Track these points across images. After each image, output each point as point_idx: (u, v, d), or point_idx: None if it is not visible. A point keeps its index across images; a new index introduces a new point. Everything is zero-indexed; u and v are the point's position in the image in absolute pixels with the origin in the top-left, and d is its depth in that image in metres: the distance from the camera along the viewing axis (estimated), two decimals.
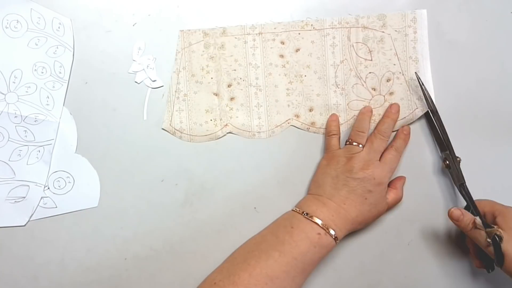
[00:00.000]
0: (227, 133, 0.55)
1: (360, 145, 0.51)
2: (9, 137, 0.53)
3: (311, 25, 0.55)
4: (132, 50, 0.54)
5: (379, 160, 0.51)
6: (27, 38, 0.53)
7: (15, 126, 0.53)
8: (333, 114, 0.55)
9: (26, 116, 0.53)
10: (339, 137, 0.54)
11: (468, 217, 0.48)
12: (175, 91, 0.54)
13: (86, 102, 0.54)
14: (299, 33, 0.55)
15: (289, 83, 0.55)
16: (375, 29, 0.55)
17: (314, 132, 0.55)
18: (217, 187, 0.54)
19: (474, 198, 0.51)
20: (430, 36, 0.55)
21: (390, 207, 0.53)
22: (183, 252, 0.54)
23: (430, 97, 0.53)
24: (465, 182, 0.51)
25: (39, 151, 0.53)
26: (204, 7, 0.55)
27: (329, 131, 0.54)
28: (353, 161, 0.50)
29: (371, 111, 0.54)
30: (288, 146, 0.55)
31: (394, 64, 0.55)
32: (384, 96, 0.55)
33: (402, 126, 0.54)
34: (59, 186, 0.53)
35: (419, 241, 0.55)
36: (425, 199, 0.55)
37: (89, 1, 0.54)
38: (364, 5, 0.55)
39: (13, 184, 0.53)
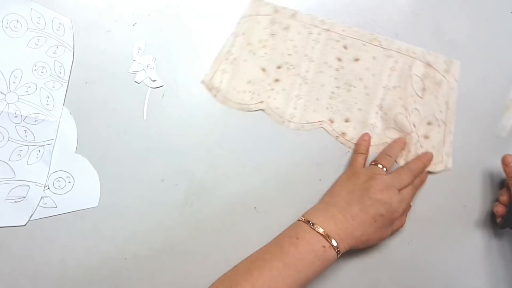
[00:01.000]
0: (260, 109, 0.55)
1: (385, 169, 0.51)
2: (9, 137, 0.53)
3: (379, 41, 0.55)
4: (132, 50, 0.54)
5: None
6: (27, 38, 0.53)
7: (15, 126, 0.53)
8: (367, 134, 0.55)
9: (26, 116, 0.53)
10: (366, 157, 0.54)
11: None
12: (226, 52, 0.54)
13: (86, 102, 0.54)
14: (365, 45, 0.55)
15: (336, 87, 0.55)
16: (437, 70, 0.54)
17: (341, 143, 0.55)
18: (217, 187, 0.54)
19: None
20: (430, 36, 0.55)
21: (393, 233, 0.53)
22: (183, 252, 0.53)
23: None
24: None
25: (39, 151, 0.53)
26: (204, 7, 0.55)
27: (358, 149, 0.54)
28: (374, 180, 0.49)
29: (405, 144, 0.54)
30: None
31: (441, 111, 0.54)
32: (419, 136, 0.54)
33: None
34: (59, 186, 0.53)
35: (419, 241, 0.55)
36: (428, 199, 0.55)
37: (89, 1, 0.54)
38: (365, 5, 0.55)
39: (13, 184, 0.53)
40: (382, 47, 0.54)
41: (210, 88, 0.53)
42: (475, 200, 0.55)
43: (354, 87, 0.55)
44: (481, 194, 0.55)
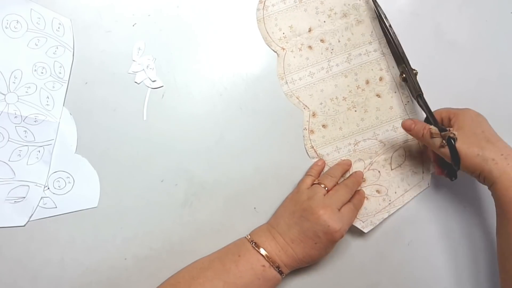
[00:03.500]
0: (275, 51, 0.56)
1: (326, 188, 0.51)
2: (9, 137, 0.53)
3: None
4: (132, 50, 0.54)
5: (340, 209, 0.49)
6: (27, 38, 0.53)
7: (15, 126, 0.53)
8: (321, 160, 0.55)
9: (26, 116, 0.53)
10: (314, 180, 0.53)
11: (420, 125, 0.48)
12: None
13: (86, 102, 0.54)
14: None
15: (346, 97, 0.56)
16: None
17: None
18: (217, 187, 0.54)
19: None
20: (430, 36, 0.55)
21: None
22: (183, 252, 0.53)
23: (380, 10, 0.52)
24: (422, 93, 0.50)
25: (39, 151, 0.53)
26: (204, 7, 0.55)
27: (309, 171, 0.54)
28: (312, 201, 0.48)
29: (350, 166, 0.54)
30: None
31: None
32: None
33: (359, 190, 0.54)
34: (59, 186, 0.53)
35: (419, 241, 0.55)
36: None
37: (89, 1, 0.54)
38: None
39: (13, 184, 0.53)
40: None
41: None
42: (475, 200, 0.55)
43: (356, 111, 0.55)
44: (481, 194, 0.55)
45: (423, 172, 0.55)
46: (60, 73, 0.54)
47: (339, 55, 0.55)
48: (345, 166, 0.54)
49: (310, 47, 0.55)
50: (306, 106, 0.55)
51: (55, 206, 0.53)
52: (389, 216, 0.54)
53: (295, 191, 0.52)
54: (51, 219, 0.53)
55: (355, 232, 0.55)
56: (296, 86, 0.55)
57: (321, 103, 0.55)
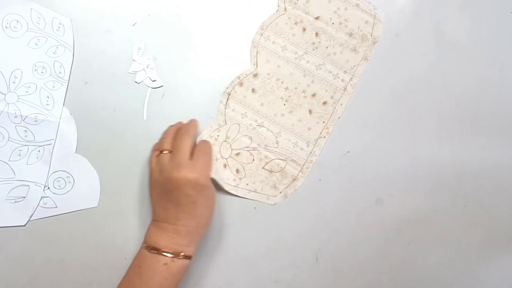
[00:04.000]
0: None
1: (168, 152, 0.49)
2: (9, 137, 0.53)
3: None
4: (132, 50, 0.54)
5: (191, 158, 0.47)
6: (27, 38, 0.53)
7: (15, 126, 0.53)
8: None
9: (26, 116, 0.53)
10: (158, 152, 0.50)
11: None
12: None
13: (86, 102, 0.54)
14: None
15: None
16: None
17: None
18: (217, 187, 0.54)
19: None
20: (430, 36, 0.55)
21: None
22: None
23: None
24: None
25: (39, 151, 0.53)
26: (204, 7, 0.55)
27: (158, 147, 0.51)
28: (164, 171, 0.47)
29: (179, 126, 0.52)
30: None
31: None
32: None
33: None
34: (59, 186, 0.53)
35: (419, 241, 0.55)
36: None
37: (89, 1, 0.54)
38: None
39: (13, 184, 0.52)
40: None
41: None
42: (475, 200, 0.55)
43: (284, 104, 0.55)
44: (481, 194, 0.55)
45: (280, 193, 0.54)
46: (60, 72, 0.54)
47: (317, 57, 0.55)
48: (175, 127, 0.51)
49: (304, 29, 0.55)
50: (256, 63, 0.55)
51: (55, 206, 0.53)
52: (389, 215, 0.54)
53: (150, 174, 0.50)
54: (51, 219, 0.53)
55: (354, 232, 0.55)
56: (265, 43, 0.55)
57: (268, 73, 0.55)
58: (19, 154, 0.53)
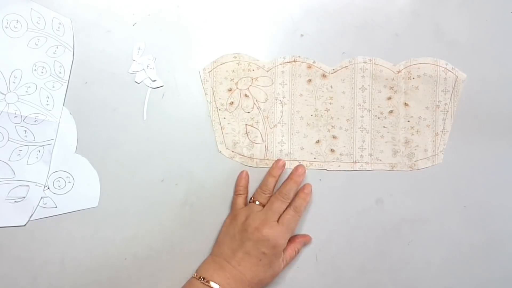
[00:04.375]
0: None
1: (260, 204, 0.51)
2: (9, 137, 0.53)
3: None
4: (132, 50, 0.54)
5: (277, 221, 0.49)
6: (27, 38, 0.53)
7: (15, 126, 0.53)
8: (244, 172, 0.54)
9: (26, 116, 0.53)
10: (246, 197, 0.53)
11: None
12: None
13: (86, 102, 0.54)
14: None
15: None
16: None
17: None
18: (217, 187, 0.54)
19: None
20: (430, 36, 0.55)
21: (288, 263, 0.52)
22: (183, 252, 0.53)
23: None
24: None
25: (39, 151, 0.53)
26: (204, 7, 0.55)
27: (236, 190, 0.53)
28: (249, 220, 0.49)
29: (279, 173, 0.52)
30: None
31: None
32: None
33: (304, 185, 0.53)
34: (59, 186, 0.53)
35: (419, 241, 0.55)
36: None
37: (89, 1, 0.54)
38: (365, 5, 0.55)
39: (13, 184, 0.52)
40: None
41: None
42: (475, 200, 0.55)
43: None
44: (481, 194, 0.55)
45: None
46: (60, 72, 0.54)
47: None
48: (274, 176, 0.52)
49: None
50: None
51: (55, 206, 0.53)
52: (389, 215, 0.54)
53: (232, 215, 0.52)
54: (51, 219, 0.53)
55: (355, 232, 0.55)
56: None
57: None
58: (19, 154, 0.53)
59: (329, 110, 0.55)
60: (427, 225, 0.55)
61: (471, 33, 0.56)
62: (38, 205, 0.53)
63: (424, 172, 0.55)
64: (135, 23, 0.54)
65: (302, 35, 0.56)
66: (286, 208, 0.50)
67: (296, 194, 0.52)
